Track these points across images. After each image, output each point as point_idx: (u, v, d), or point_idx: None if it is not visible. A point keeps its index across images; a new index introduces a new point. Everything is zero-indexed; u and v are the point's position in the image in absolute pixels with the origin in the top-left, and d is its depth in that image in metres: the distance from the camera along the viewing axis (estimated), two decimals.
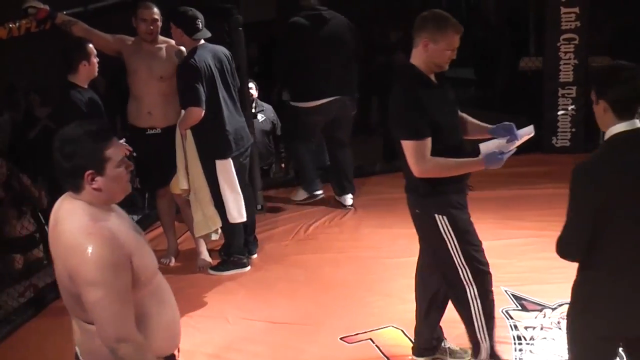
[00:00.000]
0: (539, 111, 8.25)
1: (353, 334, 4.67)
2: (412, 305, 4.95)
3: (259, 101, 7.51)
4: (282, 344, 4.67)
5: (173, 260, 6.02)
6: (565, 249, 2.96)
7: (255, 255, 5.98)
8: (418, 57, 3.76)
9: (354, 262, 5.81)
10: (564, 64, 8.03)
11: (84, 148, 2.51)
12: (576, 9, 7.88)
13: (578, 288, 3.04)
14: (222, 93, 5.42)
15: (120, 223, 2.61)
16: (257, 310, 5.13)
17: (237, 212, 5.56)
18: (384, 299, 5.16)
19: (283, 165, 8.43)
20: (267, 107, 7.72)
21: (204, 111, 5.28)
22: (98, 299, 2.42)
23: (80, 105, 5.11)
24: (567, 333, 3.18)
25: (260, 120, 7.41)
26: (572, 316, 3.09)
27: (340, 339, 4.64)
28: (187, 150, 5.41)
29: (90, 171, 2.52)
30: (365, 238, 6.30)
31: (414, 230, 6.22)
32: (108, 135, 2.58)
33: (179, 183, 5.55)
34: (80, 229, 2.48)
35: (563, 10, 7.91)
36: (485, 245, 5.79)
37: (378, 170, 7.97)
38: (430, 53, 3.70)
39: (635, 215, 2.83)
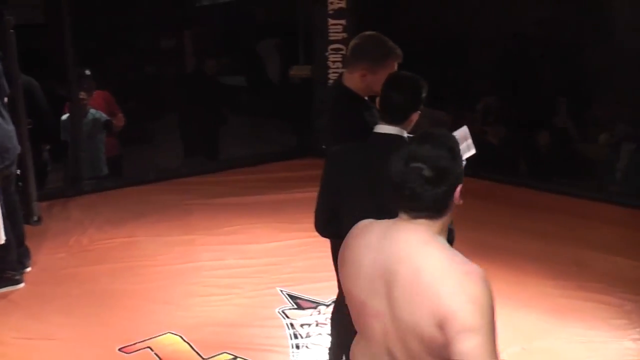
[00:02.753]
0: (308, 117, 8.60)
1: (131, 343, 4.64)
2: (189, 311, 5.06)
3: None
4: None
5: None
6: (315, 225, 3.37)
7: (29, 269, 5.75)
8: (353, 84, 3.66)
9: (130, 272, 5.77)
10: (332, 72, 8.45)
11: (458, 157, 2.17)
12: (343, 21, 8.37)
13: None
14: None
15: None
16: (33, 329, 4.94)
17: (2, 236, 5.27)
18: (162, 307, 5.18)
19: None
20: None
21: None
22: (477, 345, 1.99)
23: None
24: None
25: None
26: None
27: (119, 349, 4.60)
28: None
29: (461, 185, 2.15)
30: (141, 247, 6.28)
31: (189, 237, 6.37)
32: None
33: None
34: (454, 266, 2.06)
35: (331, 21, 8.38)
36: (260, 247, 6.04)
37: None
38: (367, 83, 3.60)
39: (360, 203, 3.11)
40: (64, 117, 7.70)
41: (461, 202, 2.14)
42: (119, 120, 7.98)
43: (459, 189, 2.12)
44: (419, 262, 2.05)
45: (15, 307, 5.31)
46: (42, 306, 5.29)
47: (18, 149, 5.55)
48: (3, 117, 5.33)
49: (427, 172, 2.05)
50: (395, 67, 3.58)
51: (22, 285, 5.55)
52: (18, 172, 5.81)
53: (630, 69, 7.71)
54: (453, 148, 2.12)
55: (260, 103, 10.65)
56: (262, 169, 8.21)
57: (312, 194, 6.38)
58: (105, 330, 4.88)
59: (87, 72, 8.02)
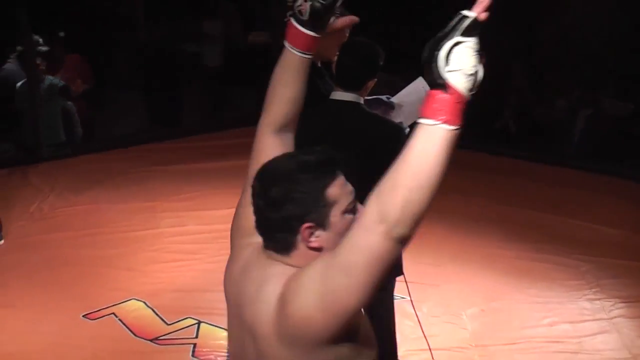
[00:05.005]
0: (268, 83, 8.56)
1: (95, 310, 4.66)
2: (151, 277, 5.09)
3: None
4: (23, 329, 4.54)
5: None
6: None
7: (1, 242, 5.70)
8: None
9: (92, 239, 5.75)
10: None
11: (303, 190, 1.76)
12: None
13: None
14: None
15: None
16: None
17: None
18: (124, 273, 5.20)
19: None
20: None
21: None
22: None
23: None
24: None
25: None
26: None
27: (83, 316, 4.61)
28: None
29: (309, 223, 1.76)
30: (102, 214, 6.25)
31: (150, 204, 6.36)
32: (333, 169, 1.81)
33: None
34: None
35: None
36: (220, 213, 6.02)
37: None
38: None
39: None
40: (19, 83, 7.59)
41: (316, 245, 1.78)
42: (77, 86, 7.90)
43: (305, 230, 1.76)
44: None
45: None
46: (3, 274, 5.26)
47: None
48: None
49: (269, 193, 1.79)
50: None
51: None
52: None
53: (588, 34, 7.82)
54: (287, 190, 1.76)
55: (220, 69, 10.59)
56: (222, 135, 8.19)
57: None
58: (68, 297, 4.88)
59: (61, 34, 7.97)
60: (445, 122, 1.49)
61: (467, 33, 1.48)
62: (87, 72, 8.29)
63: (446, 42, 1.48)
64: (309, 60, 2.04)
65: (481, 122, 8.30)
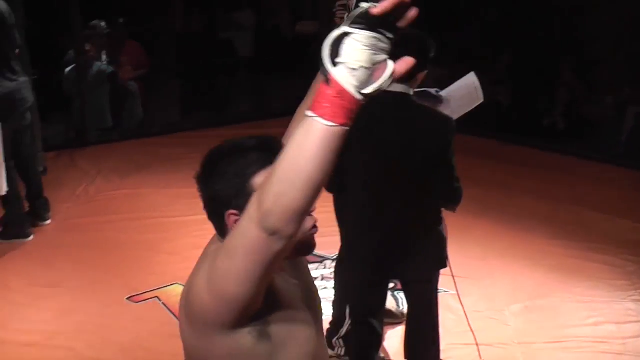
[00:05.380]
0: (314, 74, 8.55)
1: (139, 293, 4.70)
2: (194, 263, 5.06)
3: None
4: (69, 308, 4.61)
5: None
6: None
7: (48, 222, 5.78)
8: None
9: (136, 223, 5.81)
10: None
11: (229, 175, 1.71)
12: None
13: None
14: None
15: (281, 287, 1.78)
16: (41, 277, 5.01)
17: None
18: (167, 258, 5.23)
19: None
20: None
21: None
22: None
23: None
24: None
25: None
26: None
27: (127, 298, 4.66)
28: None
29: (233, 210, 1.71)
30: (146, 198, 6.31)
31: (194, 190, 6.35)
32: (266, 157, 1.67)
33: None
34: None
35: None
36: None
37: None
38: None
39: (364, 161, 3.13)
40: (68, 69, 7.70)
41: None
42: (125, 72, 7.97)
43: (230, 217, 1.71)
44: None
45: (24, 255, 5.38)
46: (51, 255, 5.34)
47: (31, 100, 5.54)
48: (14, 70, 5.30)
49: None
50: None
51: (30, 238, 5.56)
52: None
53: (638, 30, 7.69)
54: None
55: (267, 59, 10.61)
56: (266, 124, 8.19)
57: None
58: (113, 280, 4.93)
59: (121, 20, 8.10)
60: (321, 116, 1.34)
61: (357, 25, 1.32)
62: (144, 59, 8.37)
63: (334, 31, 1.33)
64: None
65: (530, 118, 8.23)
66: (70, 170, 6.94)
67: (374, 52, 1.33)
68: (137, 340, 4.27)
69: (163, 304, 4.60)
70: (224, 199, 1.69)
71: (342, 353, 3.92)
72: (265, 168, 1.64)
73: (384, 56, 1.35)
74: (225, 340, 1.66)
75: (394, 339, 3.97)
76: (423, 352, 3.55)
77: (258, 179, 1.66)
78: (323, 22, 8.63)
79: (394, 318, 4.20)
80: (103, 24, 7.80)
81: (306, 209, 1.40)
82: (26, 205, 5.69)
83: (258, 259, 1.48)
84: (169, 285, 4.80)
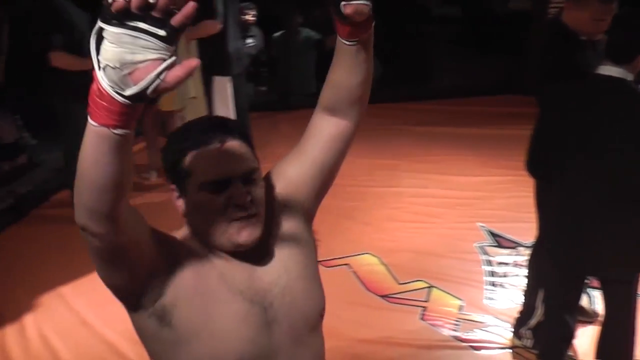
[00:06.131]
0: (523, 51, 8.30)
1: (331, 258, 4.76)
2: (388, 234, 5.10)
3: (252, 26, 7.50)
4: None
5: (155, 175, 6.08)
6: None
7: None
8: (574, 21, 3.46)
9: (333, 189, 5.83)
10: (553, 7, 8.04)
11: (169, 149, 1.70)
12: None
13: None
14: (231, 11, 5.34)
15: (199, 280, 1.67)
16: None
17: None
18: (361, 227, 5.27)
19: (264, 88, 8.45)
20: (258, 33, 7.72)
21: (221, 26, 5.19)
22: None
23: (58, 12, 4.92)
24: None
25: (249, 44, 7.41)
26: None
27: (319, 262, 4.71)
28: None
29: (172, 185, 1.71)
30: (346, 166, 6.33)
31: (393, 161, 6.38)
32: (204, 137, 1.66)
33: (184, 92, 5.44)
34: None
35: None
36: (463, 180, 5.96)
37: None
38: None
39: (592, 148, 2.94)
40: (277, 34, 7.90)
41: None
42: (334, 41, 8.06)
43: (172, 190, 1.71)
44: None
45: None
46: None
47: (245, 63, 5.77)
48: (237, 30, 5.50)
49: None
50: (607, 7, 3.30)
51: None
52: None
53: None
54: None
55: (474, 34, 10.42)
56: (471, 101, 8.05)
57: (519, 132, 6.17)
58: None
59: None
60: (88, 113, 1.25)
61: (107, 20, 1.18)
62: None
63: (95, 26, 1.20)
64: (353, 48, 1.69)
65: None
66: (272, 131, 7.13)
67: (128, 50, 1.19)
68: None
69: (353, 272, 4.63)
70: (167, 174, 1.70)
71: (529, 345, 3.78)
72: (199, 148, 1.62)
73: (150, 55, 1.20)
74: (135, 321, 1.67)
75: (583, 338, 3.79)
76: (616, 356, 3.36)
77: (189, 158, 1.63)
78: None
79: (586, 316, 4.00)
80: None
81: (102, 210, 1.35)
82: None
83: (91, 252, 1.47)
84: (360, 254, 4.83)
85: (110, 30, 1.18)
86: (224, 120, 1.73)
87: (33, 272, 4.68)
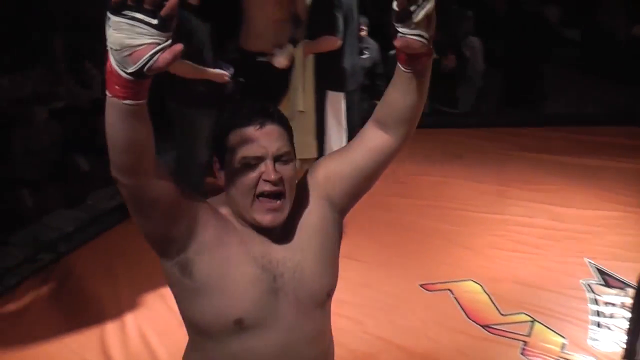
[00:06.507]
0: None
1: (433, 282, 4.73)
2: (492, 262, 5.03)
3: (367, 38, 7.51)
4: (362, 282, 4.76)
5: None
6: None
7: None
8: None
9: (438, 211, 5.83)
10: None
11: (217, 125, 1.98)
12: None
13: None
14: (350, 26, 5.38)
15: (235, 250, 1.91)
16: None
17: (338, 147, 5.54)
18: (465, 252, 5.20)
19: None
20: (373, 45, 7.72)
21: (341, 42, 5.22)
22: None
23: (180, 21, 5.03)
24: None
25: (363, 57, 7.42)
26: None
27: (421, 285, 4.70)
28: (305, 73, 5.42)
29: (215, 157, 1.96)
30: (452, 188, 6.30)
31: (500, 187, 6.27)
32: (247, 118, 1.89)
33: (295, 104, 5.51)
34: None
35: None
36: (572, 212, 5.81)
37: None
38: None
39: None
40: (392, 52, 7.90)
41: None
42: (450, 60, 7.99)
43: (215, 162, 1.97)
44: None
45: None
46: (350, 226, 5.48)
47: (361, 79, 5.79)
48: (355, 45, 5.51)
49: None
50: None
51: None
52: None
53: None
54: None
55: (593, 60, 10.12)
56: (588, 130, 7.81)
57: (636, 166, 6.00)
58: (408, 263, 5.02)
59: (469, 12, 8.25)
60: (106, 87, 1.54)
61: (111, 11, 1.46)
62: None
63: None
64: (409, 74, 1.85)
65: None
66: None
67: (127, 36, 1.46)
68: (422, 328, 4.30)
69: (454, 298, 4.59)
70: (212, 148, 1.94)
71: None
72: (242, 127, 1.87)
73: (146, 40, 1.46)
74: (163, 266, 1.93)
75: None
76: None
77: (232, 135, 1.88)
78: None
79: None
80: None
81: (124, 166, 1.66)
82: None
83: (125, 201, 1.77)
84: (462, 280, 4.78)
85: (112, 19, 1.46)
86: (266, 106, 1.93)
87: (136, 271, 4.81)
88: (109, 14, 1.46)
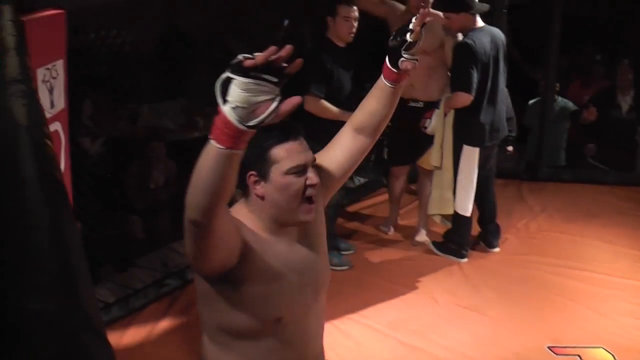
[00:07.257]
0: None
1: (562, 346, 4.59)
2: (626, 331, 4.82)
3: None
4: (488, 337, 4.68)
5: (392, 229, 6.18)
6: None
7: (497, 249, 5.94)
8: None
9: (571, 271, 5.63)
10: None
11: (252, 145, 1.96)
12: None
13: None
14: (489, 82, 5.38)
15: (278, 254, 2.22)
16: (466, 298, 5.17)
17: (464, 203, 5.54)
18: (596, 316, 5.01)
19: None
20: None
21: (472, 98, 5.31)
22: None
23: (323, 63, 5.20)
24: None
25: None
26: None
27: (548, 347, 4.57)
28: (445, 128, 5.49)
29: (252, 172, 2.16)
30: (587, 248, 6.09)
31: (638, 252, 5.96)
32: (284, 136, 2.15)
33: (432, 158, 5.63)
34: None
35: None
36: None
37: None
38: None
39: None
40: (532, 101, 7.79)
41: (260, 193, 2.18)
42: (590, 114, 7.78)
43: (250, 177, 2.16)
44: None
45: (449, 273, 5.62)
46: (479, 280, 5.45)
47: (506, 131, 5.80)
48: (498, 98, 5.52)
49: None
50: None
51: (464, 260, 5.76)
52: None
53: None
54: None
55: None
56: None
57: None
58: (535, 322, 4.89)
59: (598, 57, 8.11)
60: (213, 139, 1.71)
61: (236, 72, 1.63)
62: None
63: (222, 75, 1.65)
64: (392, 89, 2.34)
65: None
66: (515, 201, 6.99)
67: (253, 94, 1.63)
68: None
69: None
70: (246, 162, 2.04)
71: None
72: (282, 143, 2.14)
73: (266, 97, 1.65)
74: (201, 284, 2.18)
75: None
76: None
77: (275, 150, 2.13)
78: None
79: None
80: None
81: (210, 207, 1.83)
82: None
83: (190, 236, 1.95)
84: (593, 347, 4.61)
85: (239, 80, 1.63)
86: (292, 124, 2.20)
87: None
88: (233, 75, 1.64)
